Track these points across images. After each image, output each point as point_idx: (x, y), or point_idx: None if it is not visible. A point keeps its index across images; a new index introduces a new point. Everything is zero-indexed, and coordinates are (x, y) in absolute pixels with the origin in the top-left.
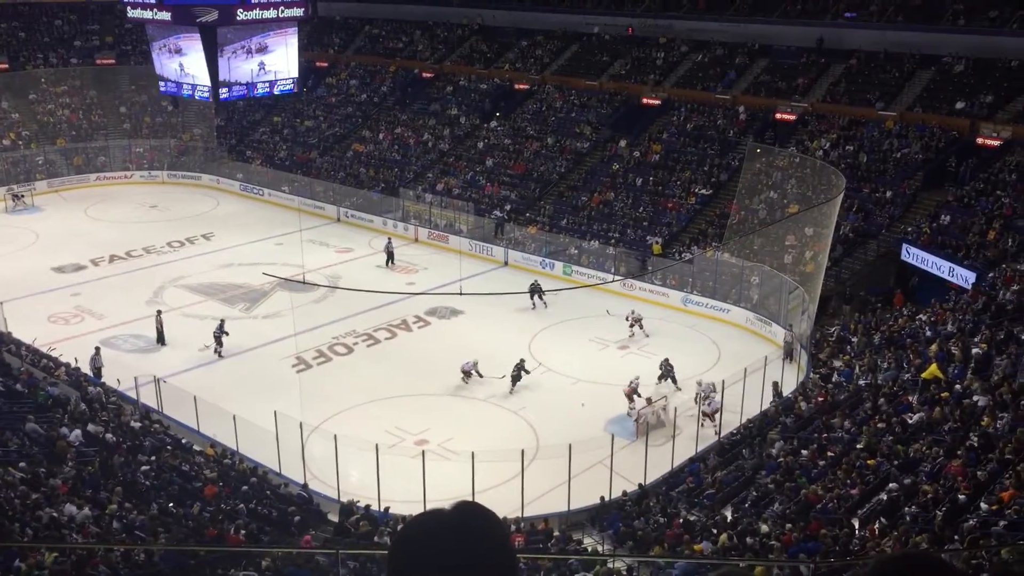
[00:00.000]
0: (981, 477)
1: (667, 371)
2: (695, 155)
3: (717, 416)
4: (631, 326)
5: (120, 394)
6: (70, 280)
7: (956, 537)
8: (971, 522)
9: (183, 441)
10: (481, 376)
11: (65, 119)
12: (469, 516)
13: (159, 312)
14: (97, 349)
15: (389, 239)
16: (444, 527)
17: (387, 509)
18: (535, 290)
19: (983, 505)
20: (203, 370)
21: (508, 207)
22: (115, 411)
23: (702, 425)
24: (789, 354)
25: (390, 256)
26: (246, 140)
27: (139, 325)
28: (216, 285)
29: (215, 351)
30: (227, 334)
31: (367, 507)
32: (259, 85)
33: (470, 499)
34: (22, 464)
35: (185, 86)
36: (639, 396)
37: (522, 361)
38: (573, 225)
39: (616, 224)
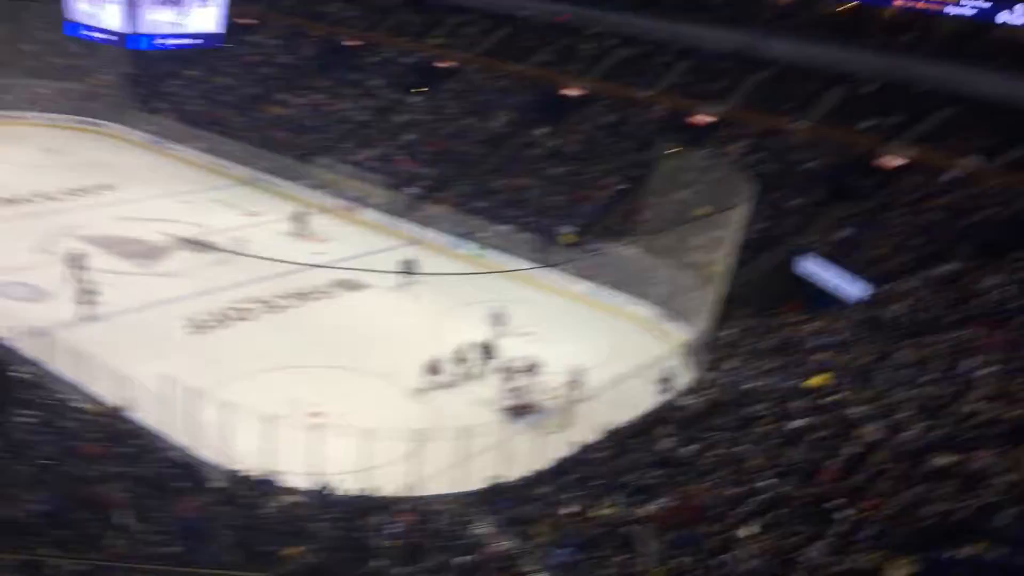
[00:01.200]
0: (854, 483)
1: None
2: (612, 149)
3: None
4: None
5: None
6: None
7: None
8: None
9: (66, 398)
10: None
11: None
12: None
13: (74, 253)
14: None
15: (299, 210)
16: None
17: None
18: (407, 267)
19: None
20: (92, 325)
21: (423, 184)
22: None
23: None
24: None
25: (298, 226)
26: (158, 91)
27: (28, 274)
28: (113, 238)
29: (82, 316)
30: (99, 294)
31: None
32: (177, 37)
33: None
34: None
35: (96, 30)
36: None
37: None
38: (487, 208)
39: (530, 211)
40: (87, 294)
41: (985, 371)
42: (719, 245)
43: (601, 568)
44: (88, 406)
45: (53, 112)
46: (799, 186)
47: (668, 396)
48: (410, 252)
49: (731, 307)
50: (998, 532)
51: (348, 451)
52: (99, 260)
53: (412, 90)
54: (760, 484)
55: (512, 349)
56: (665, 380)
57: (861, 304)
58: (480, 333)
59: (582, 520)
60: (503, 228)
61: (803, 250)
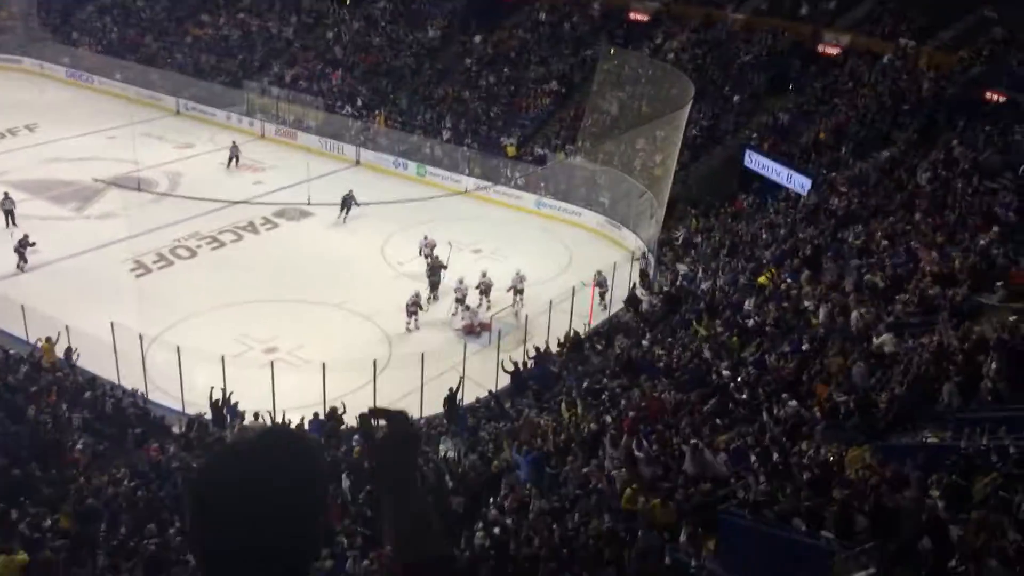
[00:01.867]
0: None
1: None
2: (548, 52)
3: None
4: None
5: None
6: None
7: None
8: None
9: (11, 352)
10: (424, 309)
11: None
12: (274, 443)
13: (6, 194)
14: None
15: (234, 142)
16: (248, 455)
17: (235, 404)
18: (347, 202)
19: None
20: (31, 276)
21: (359, 102)
22: None
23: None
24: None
25: (234, 158)
26: (71, 20)
27: None
28: (43, 182)
29: (19, 267)
30: (33, 245)
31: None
32: None
33: (308, 415)
34: None
35: None
36: (459, 303)
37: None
38: (427, 123)
39: (470, 123)
40: (23, 245)
41: (927, 256)
42: (662, 147)
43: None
44: (46, 355)
45: None
46: (739, 78)
47: (621, 302)
48: (348, 176)
49: (679, 208)
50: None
51: (303, 385)
52: (31, 206)
53: (340, 1)
54: (717, 381)
55: (461, 268)
56: (597, 272)
57: (806, 194)
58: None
59: (542, 432)
60: (443, 144)
61: (746, 146)
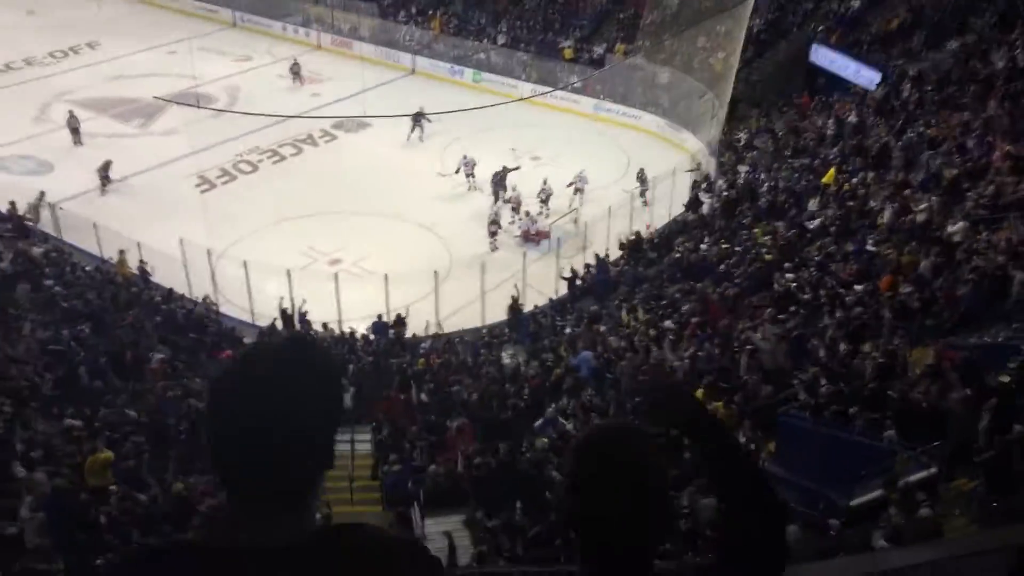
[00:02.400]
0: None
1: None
2: None
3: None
4: (466, 174)
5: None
6: None
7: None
8: (856, 310)
9: (86, 268)
10: (501, 227)
11: None
12: (293, 351)
13: (72, 113)
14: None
15: (295, 60)
16: (264, 363)
17: (305, 313)
18: (418, 119)
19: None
20: (100, 193)
21: (413, 8)
22: (10, 238)
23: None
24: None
25: (297, 76)
26: None
27: (27, 145)
28: (106, 100)
29: (102, 190)
30: (111, 164)
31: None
32: None
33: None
34: None
35: None
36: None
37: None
38: (482, 27)
39: (525, 25)
40: (106, 170)
41: (1001, 148)
42: (725, 44)
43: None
44: (121, 269)
45: None
46: None
47: (683, 203)
48: (404, 84)
49: (741, 108)
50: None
51: (367, 295)
52: (96, 124)
53: None
54: (779, 282)
55: (521, 176)
56: (640, 170)
57: (874, 88)
58: (484, 164)
59: (602, 339)
60: (499, 48)
61: (811, 39)
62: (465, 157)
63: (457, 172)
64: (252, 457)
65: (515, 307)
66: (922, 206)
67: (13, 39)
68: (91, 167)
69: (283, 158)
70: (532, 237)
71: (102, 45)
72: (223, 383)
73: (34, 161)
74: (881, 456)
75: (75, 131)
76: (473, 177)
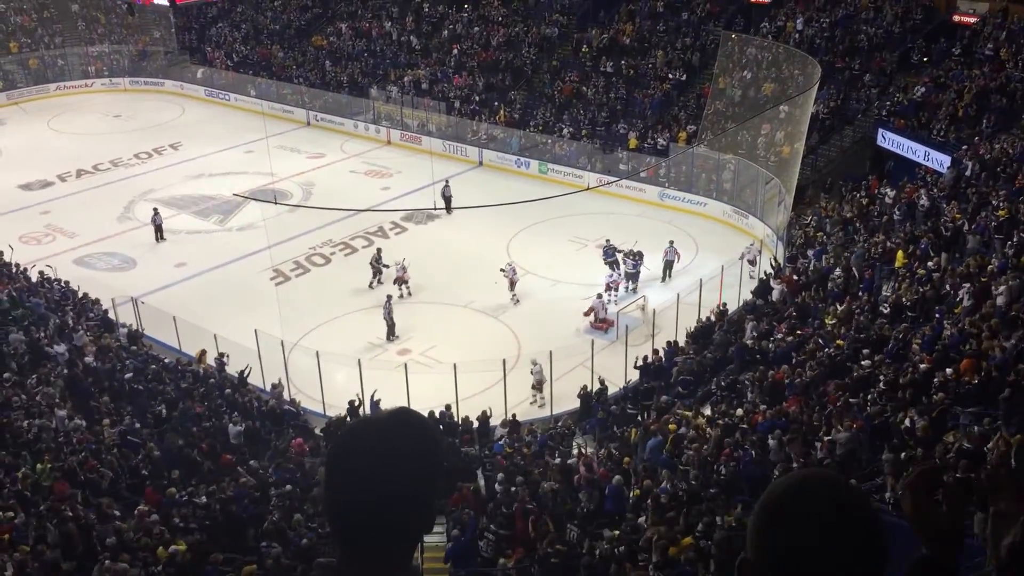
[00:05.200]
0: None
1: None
2: (666, 36)
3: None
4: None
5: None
6: (38, 198)
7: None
8: (937, 394)
9: (165, 360)
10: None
11: (16, 23)
12: (398, 425)
13: (156, 210)
14: None
15: (447, 182)
16: (373, 437)
17: (378, 402)
18: (446, 197)
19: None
20: (180, 287)
21: (475, 102)
22: (96, 333)
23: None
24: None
25: (447, 201)
26: (205, 38)
27: (112, 243)
28: (188, 198)
29: (373, 284)
30: (386, 266)
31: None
32: None
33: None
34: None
35: None
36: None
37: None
38: (546, 119)
39: (589, 116)
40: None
41: None
42: (789, 131)
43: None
44: (200, 363)
45: (112, 76)
46: (869, 55)
47: (751, 289)
48: (472, 176)
49: (809, 193)
50: None
51: (437, 385)
52: (177, 221)
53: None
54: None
55: (590, 265)
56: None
57: (945, 171)
58: (551, 252)
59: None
60: (564, 140)
61: (879, 123)
62: (510, 265)
63: (504, 276)
64: (362, 520)
65: (586, 396)
66: (1001, 288)
67: (102, 142)
68: (172, 263)
69: (355, 250)
70: (598, 325)
71: (184, 146)
72: (338, 452)
73: (119, 258)
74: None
75: (159, 228)
76: (514, 283)
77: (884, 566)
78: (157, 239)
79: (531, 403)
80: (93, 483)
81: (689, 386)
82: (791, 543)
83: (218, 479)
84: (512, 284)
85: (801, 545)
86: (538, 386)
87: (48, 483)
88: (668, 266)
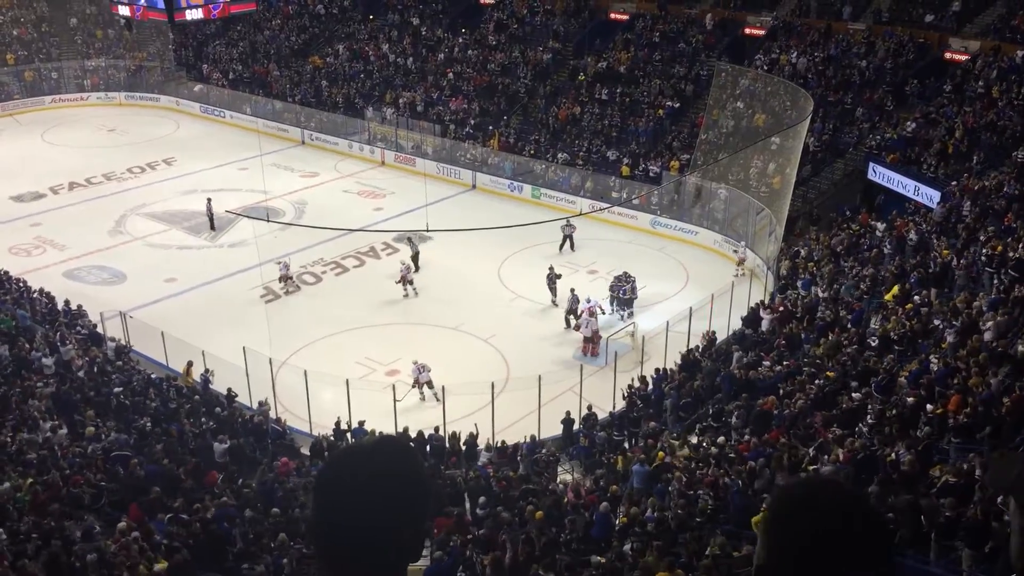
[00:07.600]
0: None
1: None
2: (661, 66)
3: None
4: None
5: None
6: (29, 209)
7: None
8: (924, 429)
9: (152, 376)
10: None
11: (14, 35)
12: (383, 453)
13: (209, 200)
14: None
15: (568, 221)
16: (364, 454)
17: (361, 423)
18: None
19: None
20: (169, 303)
21: (472, 124)
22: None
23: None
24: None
25: (568, 239)
26: (202, 55)
27: (102, 256)
28: (180, 213)
29: (553, 302)
30: (559, 276)
31: (338, 426)
32: (217, 5)
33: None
34: None
35: (137, 6)
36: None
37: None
38: (540, 144)
39: (583, 141)
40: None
41: None
42: (781, 163)
43: None
44: (185, 379)
45: (107, 90)
46: (861, 90)
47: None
48: (466, 199)
49: (799, 224)
50: None
51: (425, 406)
52: (168, 236)
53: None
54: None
55: (580, 288)
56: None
57: (935, 206)
58: (542, 277)
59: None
60: (557, 165)
61: (871, 157)
62: (415, 363)
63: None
64: (348, 545)
65: (569, 422)
66: (988, 324)
67: (95, 155)
68: (162, 278)
69: (346, 270)
70: (587, 349)
71: (179, 162)
72: (325, 478)
73: (109, 271)
74: None
75: (211, 216)
76: (426, 387)
77: (892, 559)
78: (211, 228)
79: (421, 400)
80: (76, 498)
81: (677, 411)
82: (807, 540)
83: (200, 498)
84: (418, 384)
85: (816, 542)
86: (419, 385)
87: (28, 497)
88: (622, 301)
